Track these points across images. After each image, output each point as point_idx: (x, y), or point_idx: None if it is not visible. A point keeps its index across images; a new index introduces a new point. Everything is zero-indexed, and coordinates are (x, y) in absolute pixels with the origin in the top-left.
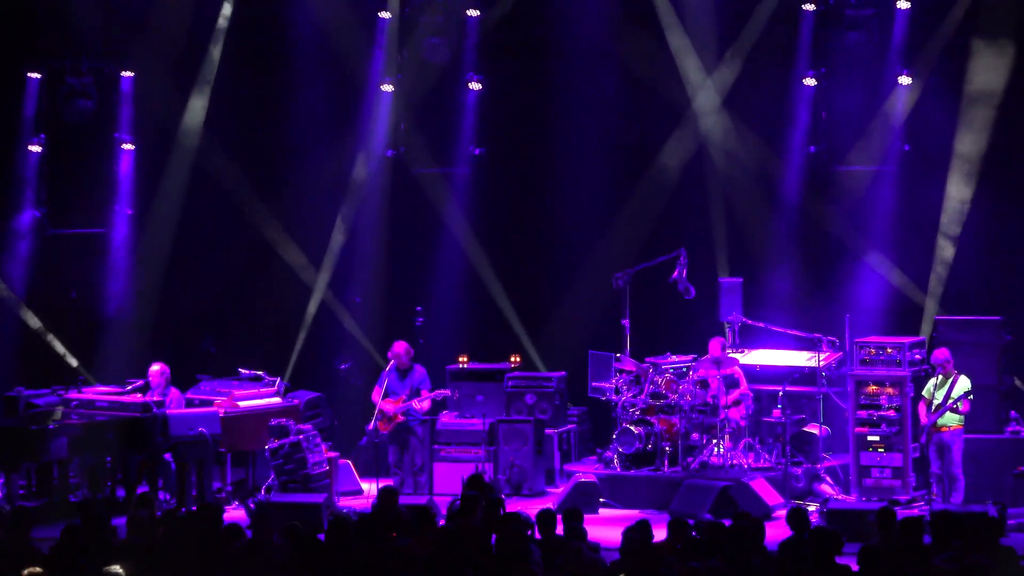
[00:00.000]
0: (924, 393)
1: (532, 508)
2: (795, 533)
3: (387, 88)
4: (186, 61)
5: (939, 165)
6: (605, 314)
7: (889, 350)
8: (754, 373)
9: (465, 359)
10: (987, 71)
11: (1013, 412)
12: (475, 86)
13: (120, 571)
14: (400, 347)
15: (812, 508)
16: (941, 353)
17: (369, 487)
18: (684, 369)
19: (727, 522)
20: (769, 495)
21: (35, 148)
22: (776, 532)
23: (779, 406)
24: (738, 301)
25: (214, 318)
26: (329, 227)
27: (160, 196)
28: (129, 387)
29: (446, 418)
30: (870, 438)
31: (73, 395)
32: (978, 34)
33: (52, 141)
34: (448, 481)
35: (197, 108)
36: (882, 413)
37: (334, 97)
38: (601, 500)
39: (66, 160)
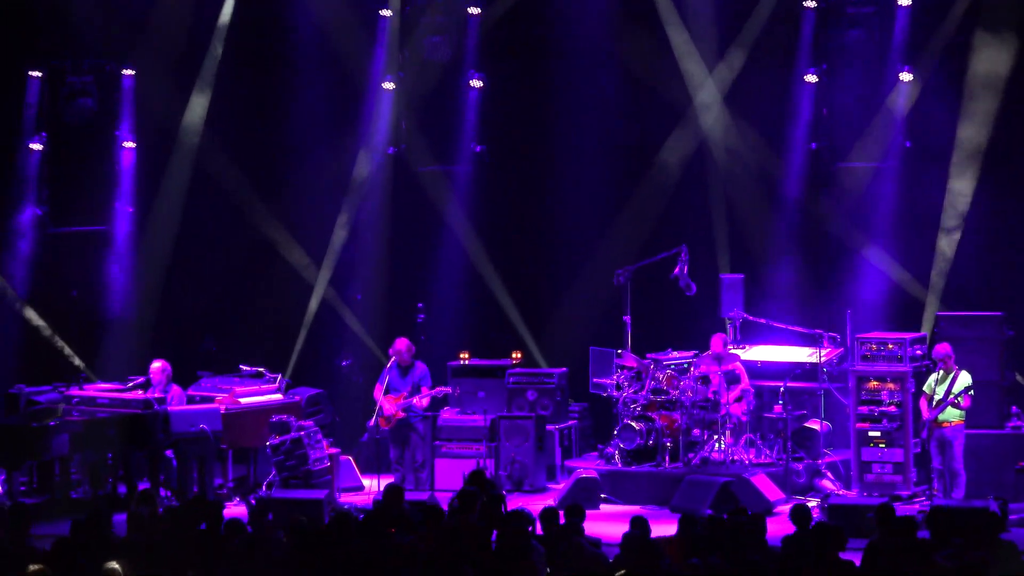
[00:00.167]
0: (925, 389)
1: (533, 504)
2: (798, 529)
3: (388, 86)
4: (187, 59)
5: (940, 162)
6: (606, 310)
7: (890, 346)
8: (755, 369)
9: (466, 355)
10: (988, 67)
11: (1014, 407)
12: (476, 84)
13: (117, 567)
14: (401, 344)
15: (813, 504)
16: (942, 348)
17: (370, 483)
18: (685, 365)
19: (725, 517)
20: (770, 491)
21: (36, 147)
22: (777, 528)
23: (780, 402)
24: (739, 297)
25: (215, 315)
26: (330, 225)
27: (161, 194)
28: (130, 384)
29: (447, 414)
30: (871, 434)
31: (74, 392)
32: (979, 30)
33: (53, 140)
34: (449, 477)
35: (198, 106)
36: (883, 409)
37: (335, 95)
38: (602, 496)
39: (67, 159)
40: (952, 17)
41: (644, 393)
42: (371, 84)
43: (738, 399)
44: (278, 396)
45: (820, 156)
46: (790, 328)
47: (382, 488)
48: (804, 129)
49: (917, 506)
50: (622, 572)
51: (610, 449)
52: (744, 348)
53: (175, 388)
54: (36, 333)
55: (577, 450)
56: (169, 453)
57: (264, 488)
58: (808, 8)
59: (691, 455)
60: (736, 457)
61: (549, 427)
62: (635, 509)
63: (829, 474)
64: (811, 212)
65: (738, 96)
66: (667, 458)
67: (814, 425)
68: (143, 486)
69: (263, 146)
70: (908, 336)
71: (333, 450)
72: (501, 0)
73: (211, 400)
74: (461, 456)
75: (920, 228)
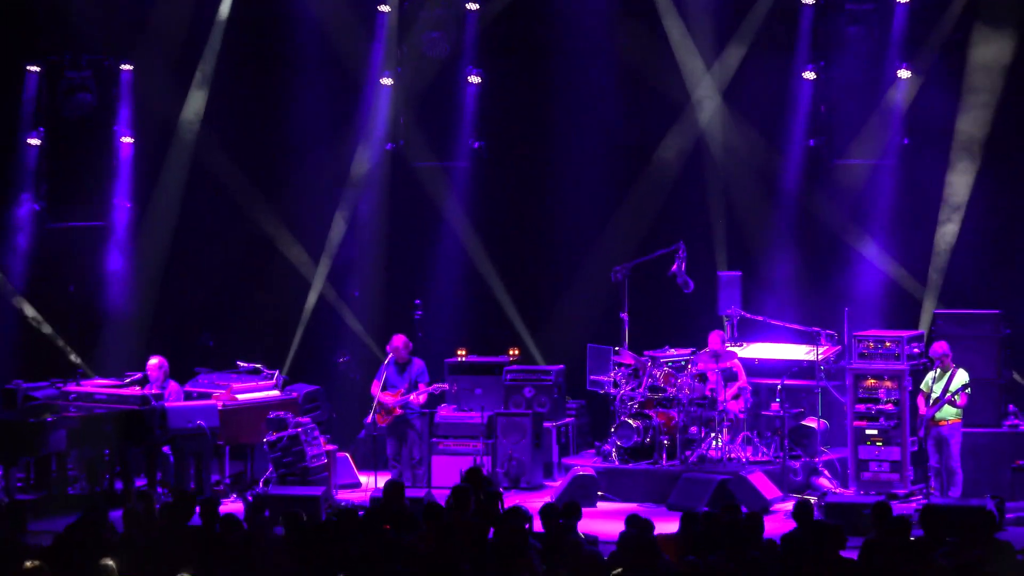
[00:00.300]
0: (922, 387)
1: (530, 501)
2: (799, 527)
3: (386, 82)
4: (185, 55)
5: (938, 159)
6: (604, 307)
7: (888, 344)
8: (752, 366)
9: (464, 352)
10: (986, 64)
11: (1012, 406)
12: (474, 80)
13: (111, 564)
14: (399, 340)
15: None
16: (940, 346)
17: (367, 480)
18: (683, 362)
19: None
20: (767, 488)
21: (34, 141)
22: (774, 526)
23: (777, 399)
24: (737, 295)
25: (213, 311)
26: (328, 220)
27: (159, 189)
28: (127, 380)
29: (444, 411)
30: (868, 432)
31: (71, 388)
32: (978, 27)
33: (51, 135)
34: (446, 474)
35: (196, 102)
36: (880, 407)
37: (333, 90)
38: (599, 493)
39: (65, 154)
40: (951, 13)
41: (641, 390)
42: (369, 80)
43: (735, 397)
44: (275, 392)
45: (818, 153)
46: (787, 325)
47: (379, 485)
48: (802, 126)
49: (914, 504)
50: (618, 571)
51: (607, 446)
52: (742, 345)
53: (172, 384)
54: (33, 328)
55: (574, 447)
56: (166, 449)
57: (261, 484)
58: (806, 4)
59: (688, 453)
60: (733, 455)
61: (546, 424)
62: (632, 507)
63: (826, 472)
64: (809, 209)
65: (736, 93)
66: (664, 456)
67: (811, 423)
68: (140, 482)
69: (261, 142)
70: (905, 334)
71: (330, 447)
72: None
73: (208, 396)
74: (458, 453)
75: (918, 225)
